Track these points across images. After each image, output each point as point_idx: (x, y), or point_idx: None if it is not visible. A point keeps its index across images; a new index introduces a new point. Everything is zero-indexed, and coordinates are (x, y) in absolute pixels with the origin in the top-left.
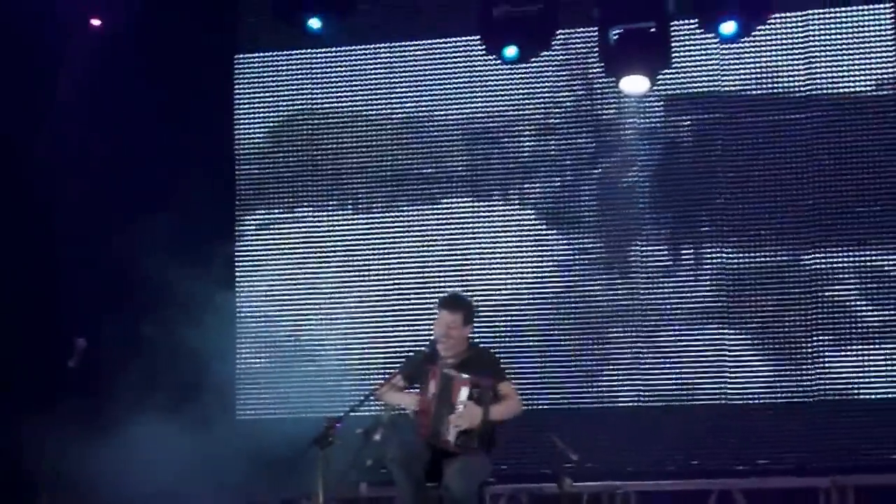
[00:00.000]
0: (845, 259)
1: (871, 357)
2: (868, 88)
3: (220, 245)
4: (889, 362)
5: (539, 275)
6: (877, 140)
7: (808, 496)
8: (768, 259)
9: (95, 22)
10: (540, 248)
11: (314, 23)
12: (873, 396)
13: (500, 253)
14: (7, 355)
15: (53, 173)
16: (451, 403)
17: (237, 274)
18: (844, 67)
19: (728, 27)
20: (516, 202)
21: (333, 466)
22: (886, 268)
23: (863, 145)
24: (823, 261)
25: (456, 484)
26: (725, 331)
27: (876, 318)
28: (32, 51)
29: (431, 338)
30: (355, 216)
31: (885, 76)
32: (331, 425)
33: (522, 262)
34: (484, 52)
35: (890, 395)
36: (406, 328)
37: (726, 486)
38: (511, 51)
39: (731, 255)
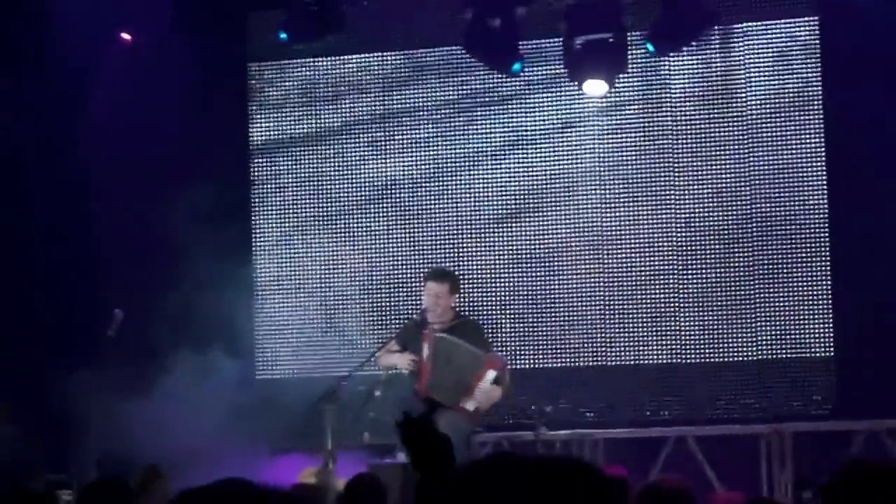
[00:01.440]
0: (779, 229)
1: (801, 320)
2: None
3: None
4: (810, 325)
5: (514, 249)
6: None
7: (751, 441)
8: (713, 226)
9: (126, 36)
10: (516, 224)
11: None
12: (808, 354)
13: (481, 228)
14: (53, 320)
15: (95, 165)
16: (467, 372)
17: (254, 240)
18: (771, 76)
19: (649, 46)
20: (498, 183)
21: (341, 419)
22: (814, 236)
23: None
24: (761, 230)
25: (448, 433)
26: (677, 296)
27: (803, 285)
28: (72, 60)
29: (422, 307)
30: (365, 187)
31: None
32: (337, 384)
33: (500, 239)
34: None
35: (818, 354)
36: (406, 295)
37: (681, 433)
38: (517, 65)
39: (678, 228)
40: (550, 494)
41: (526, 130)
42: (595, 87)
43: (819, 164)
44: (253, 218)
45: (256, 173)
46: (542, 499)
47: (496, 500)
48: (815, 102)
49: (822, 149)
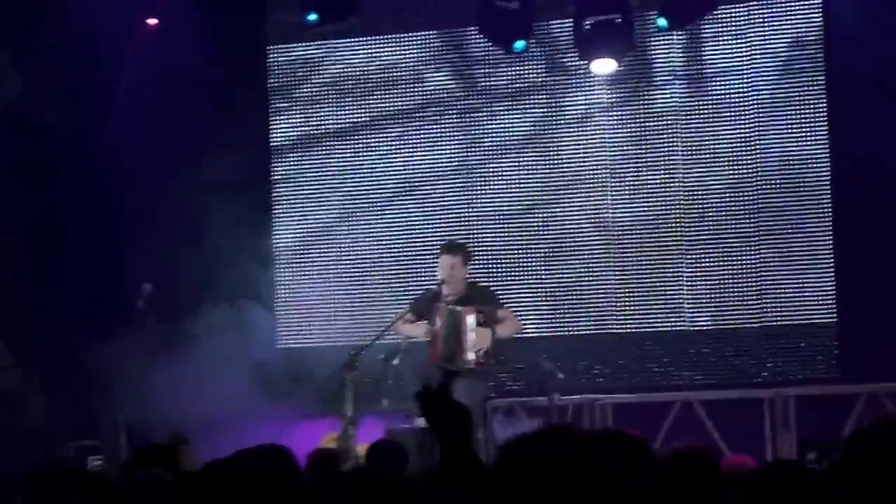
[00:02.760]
0: (782, 198)
1: (804, 287)
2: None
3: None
4: (812, 292)
5: (527, 220)
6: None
7: (755, 405)
8: (718, 197)
9: (152, 21)
10: (528, 198)
11: (312, 17)
12: (810, 320)
13: (495, 200)
14: (83, 291)
15: (122, 143)
16: (461, 331)
17: (273, 211)
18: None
19: (661, 22)
20: (510, 160)
21: (360, 387)
22: (816, 205)
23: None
24: (764, 200)
25: (463, 399)
26: (683, 265)
27: (806, 253)
28: (99, 44)
29: (437, 279)
30: (382, 158)
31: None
32: (356, 353)
33: (515, 211)
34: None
35: (820, 320)
36: (421, 266)
37: (687, 397)
38: (520, 42)
39: (684, 199)
40: (601, 466)
41: (538, 114)
42: (603, 66)
43: (822, 133)
44: (273, 189)
45: (277, 145)
46: (593, 470)
47: (548, 473)
48: (819, 77)
49: (825, 118)
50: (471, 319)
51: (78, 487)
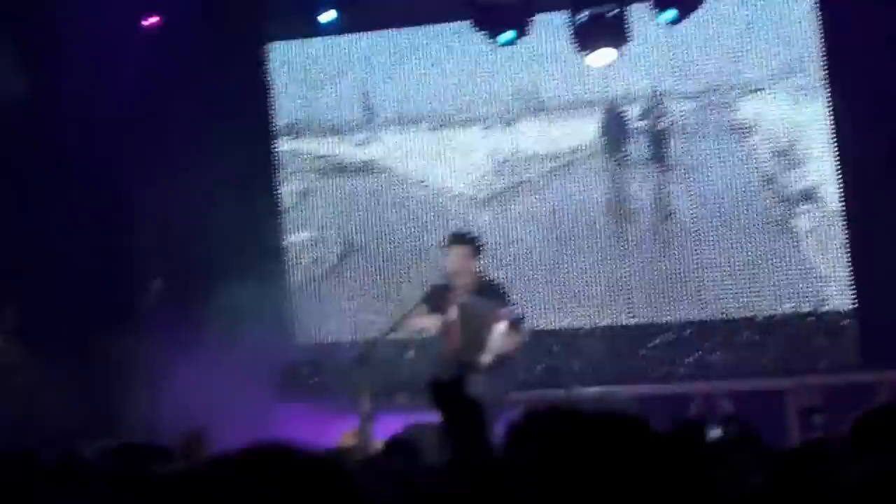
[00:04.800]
0: (794, 187)
1: (822, 275)
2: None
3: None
4: (832, 280)
5: (539, 213)
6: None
7: (777, 395)
8: (730, 187)
9: (152, 19)
10: (532, 190)
11: (326, 17)
12: (831, 308)
13: (500, 192)
14: (97, 288)
15: (122, 142)
16: (479, 328)
17: (281, 206)
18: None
19: (669, 14)
20: (518, 153)
21: (375, 381)
22: (829, 191)
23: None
24: (778, 188)
25: (483, 392)
26: (703, 255)
27: (823, 241)
28: (102, 42)
29: (448, 270)
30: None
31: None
32: (370, 347)
33: (520, 204)
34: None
35: (837, 308)
36: (432, 259)
37: (709, 388)
38: (507, 34)
39: (697, 189)
40: (608, 448)
41: (535, 100)
42: (599, 58)
43: (828, 123)
44: (279, 186)
45: (281, 138)
46: (600, 452)
47: (553, 452)
48: (818, 57)
49: (829, 105)
50: (501, 326)
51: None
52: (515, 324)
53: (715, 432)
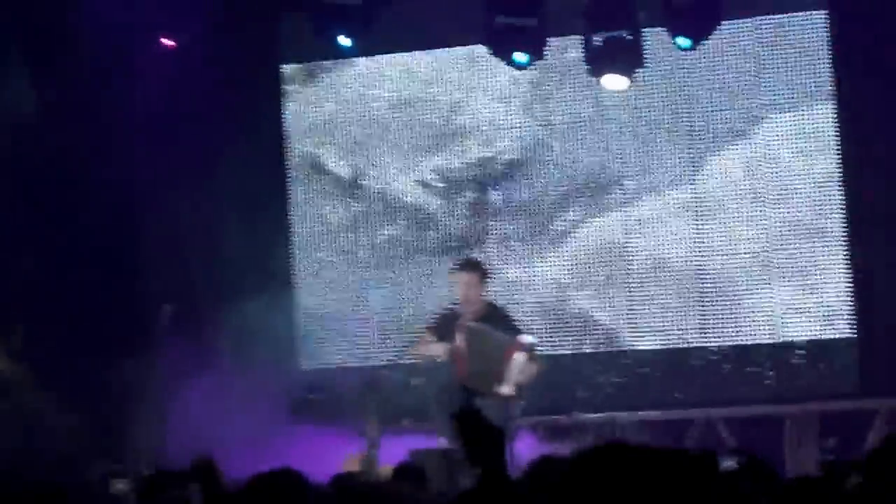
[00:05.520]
0: (796, 215)
1: (823, 303)
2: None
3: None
4: (832, 308)
5: (542, 236)
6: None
7: (776, 422)
8: (733, 215)
9: (167, 42)
10: (535, 214)
11: (344, 40)
12: (830, 336)
13: (514, 212)
14: (106, 313)
15: (132, 165)
16: (501, 359)
17: (292, 231)
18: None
19: (683, 41)
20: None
21: (382, 408)
22: (831, 220)
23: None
24: (779, 216)
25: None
26: (703, 282)
27: (824, 268)
28: (116, 62)
29: (456, 298)
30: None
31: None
32: (378, 373)
33: (531, 226)
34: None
35: (840, 336)
36: (442, 285)
37: (709, 414)
38: (521, 57)
39: (698, 217)
40: (662, 483)
41: (547, 124)
42: (613, 82)
43: (834, 150)
44: (290, 212)
45: (293, 164)
46: (654, 488)
47: (610, 490)
48: (828, 89)
49: (837, 135)
50: (519, 357)
51: None
52: (532, 352)
53: (729, 464)
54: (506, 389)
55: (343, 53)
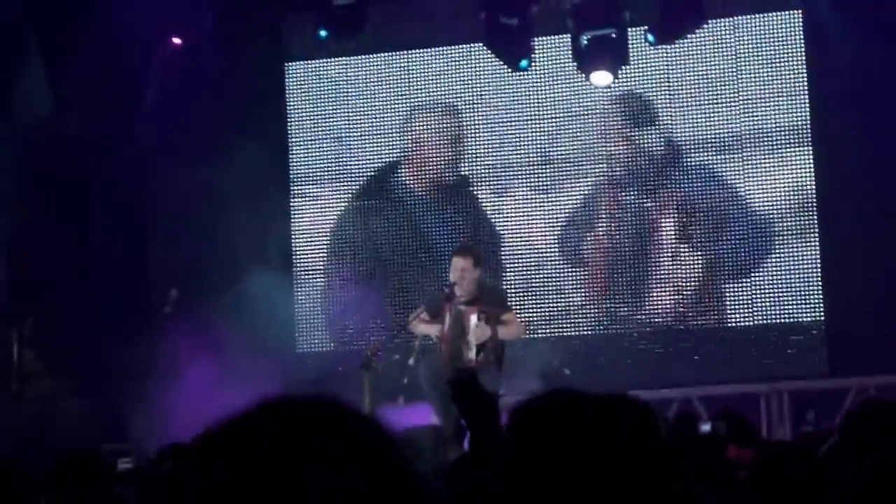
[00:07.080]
0: (770, 206)
1: (794, 288)
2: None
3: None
4: (802, 293)
5: (531, 223)
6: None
7: (751, 400)
8: (710, 205)
9: (176, 40)
10: (525, 201)
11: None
12: (801, 319)
13: (507, 201)
14: (113, 297)
15: (146, 156)
16: (463, 328)
17: (293, 219)
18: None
19: (650, 37)
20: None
21: (377, 386)
22: (802, 211)
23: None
24: (753, 207)
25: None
26: (682, 269)
27: (795, 256)
28: (127, 60)
29: (450, 280)
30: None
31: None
32: (373, 353)
33: (522, 213)
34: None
35: (810, 319)
36: (437, 268)
37: (687, 394)
38: (524, 61)
39: (677, 206)
40: (606, 426)
41: (531, 119)
42: (601, 78)
43: (805, 142)
44: (292, 205)
45: (295, 154)
46: (598, 432)
47: (554, 436)
48: (801, 85)
49: (809, 131)
50: (473, 318)
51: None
52: (486, 314)
53: (705, 427)
54: (470, 354)
55: (345, 51)
